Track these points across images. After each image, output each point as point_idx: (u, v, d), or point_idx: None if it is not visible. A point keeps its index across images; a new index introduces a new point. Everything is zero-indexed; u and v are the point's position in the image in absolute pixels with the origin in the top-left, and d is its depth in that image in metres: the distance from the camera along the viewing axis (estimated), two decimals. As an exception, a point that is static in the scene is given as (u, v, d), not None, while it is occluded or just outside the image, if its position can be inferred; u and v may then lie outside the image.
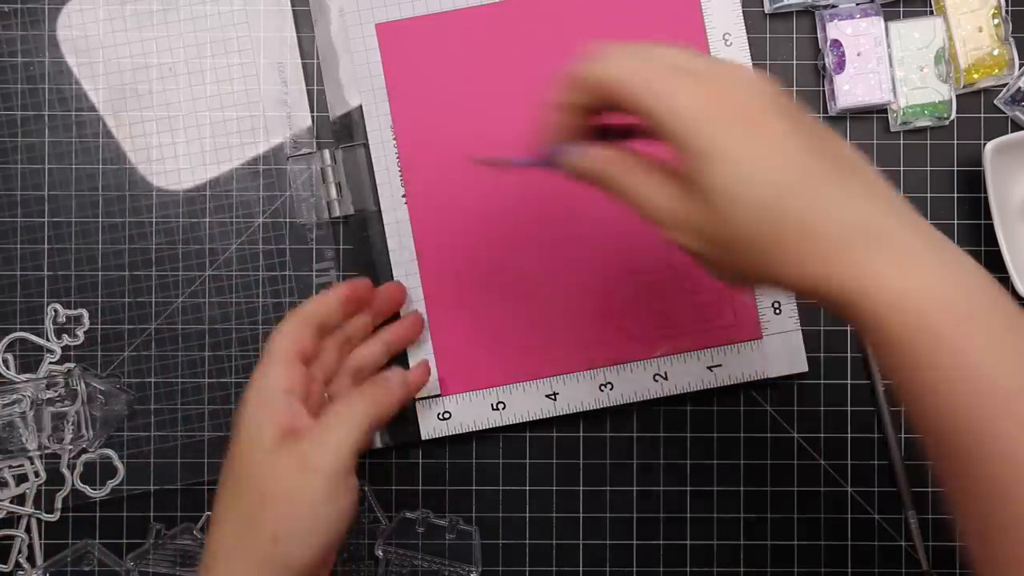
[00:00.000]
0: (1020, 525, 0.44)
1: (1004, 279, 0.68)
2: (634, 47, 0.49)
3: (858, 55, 0.68)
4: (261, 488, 0.54)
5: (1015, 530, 0.44)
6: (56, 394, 0.69)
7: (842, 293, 0.46)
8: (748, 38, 0.69)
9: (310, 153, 0.69)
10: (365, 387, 0.60)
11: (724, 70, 0.48)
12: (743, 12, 0.69)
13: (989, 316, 0.45)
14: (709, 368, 0.68)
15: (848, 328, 0.70)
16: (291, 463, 0.54)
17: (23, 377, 0.70)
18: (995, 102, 0.69)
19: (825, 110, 0.70)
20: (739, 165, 0.46)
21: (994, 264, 0.69)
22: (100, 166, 0.70)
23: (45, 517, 0.70)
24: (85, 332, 0.69)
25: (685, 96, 0.47)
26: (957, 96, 0.69)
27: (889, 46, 0.68)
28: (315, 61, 0.69)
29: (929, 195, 0.70)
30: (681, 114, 0.46)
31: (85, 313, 0.69)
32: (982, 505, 0.45)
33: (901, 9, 0.70)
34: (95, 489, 0.69)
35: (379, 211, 0.68)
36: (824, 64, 0.69)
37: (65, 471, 0.70)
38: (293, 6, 0.69)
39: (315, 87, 0.70)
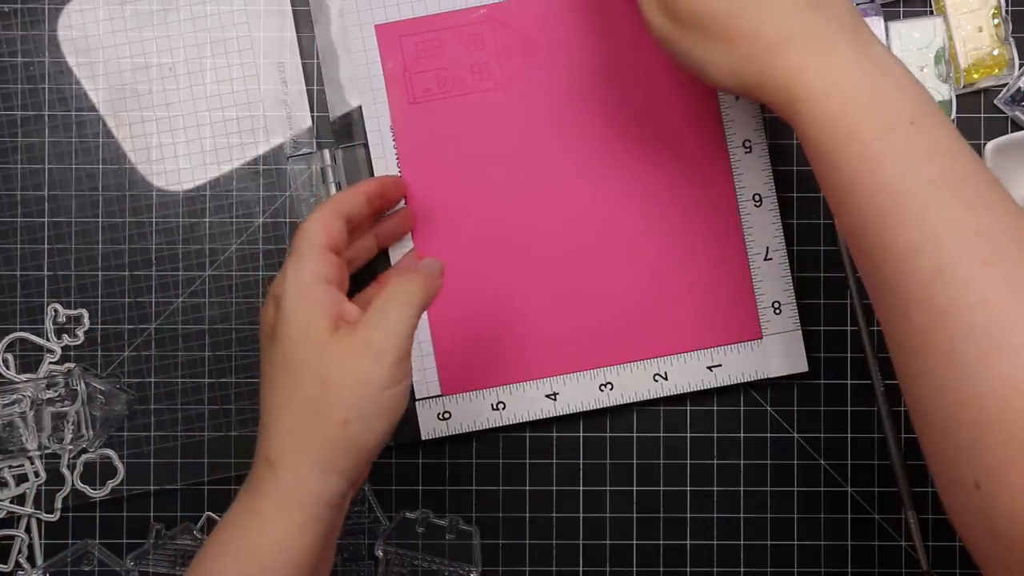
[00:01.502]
0: (917, 307, 0.47)
1: (1004, 279, 0.68)
2: None
3: (858, 55, 0.68)
4: (324, 376, 0.54)
5: (915, 313, 0.47)
6: (56, 394, 0.69)
7: (777, 91, 0.52)
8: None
9: (310, 153, 0.69)
10: (416, 272, 0.59)
11: None
12: (743, 12, 0.69)
13: (897, 117, 0.50)
14: (709, 368, 0.68)
15: (848, 328, 0.70)
16: (355, 350, 0.54)
17: (23, 377, 0.70)
18: (995, 102, 0.69)
19: (825, 110, 0.70)
20: None
21: (994, 264, 0.69)
22: (100, 166, 0.70)
23: (45, 517, 0.70)
24: (85, 332, 0.69)
25: None
26: (957, 96, 0.69)
27: (889, 46, 0.68)
28: (315, 61, 0.69)
29: (929, 195, 0.70)
30: None
31: (85, 313, 0.69)
32: (887, 295, 0.49)
33: (901, 9, 0.70)
34: (95, 489, 0.70)
35: (379, 211, 0.69)
36: (824, 64, 0.69)
37: (65, 471, 0.70)
38: (293, 6, 0.70)
39: (315, 87, 0.70)
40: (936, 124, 0.50)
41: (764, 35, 0.52)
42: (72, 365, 0.70)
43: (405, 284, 0.57)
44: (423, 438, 0.69)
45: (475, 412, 0.68)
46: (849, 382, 0.70)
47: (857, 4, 0.68)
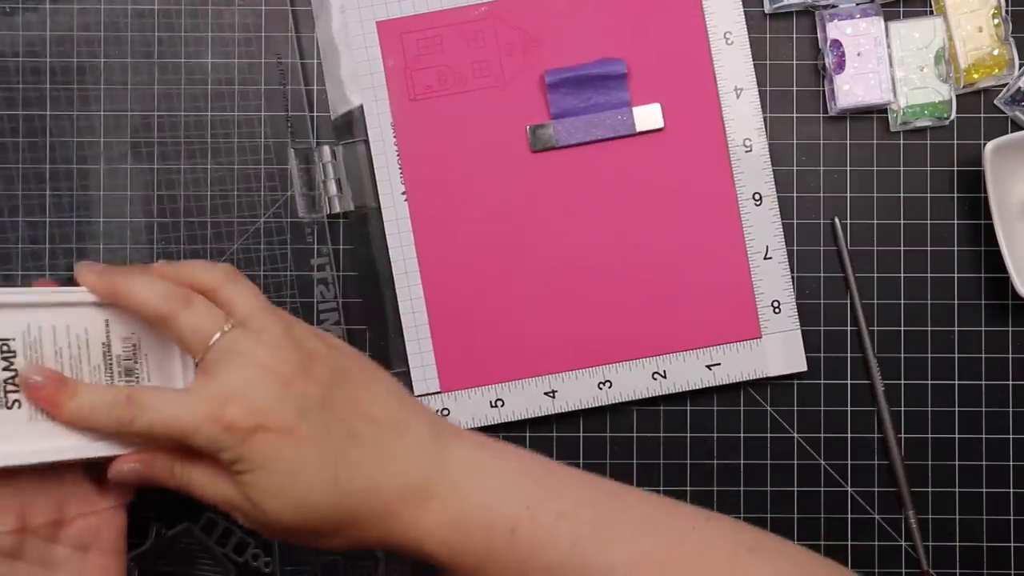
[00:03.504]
0: None
1: (1004, 279, 0.68)
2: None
3: (858, 55, 0.68)
4: None
5: None
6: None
7: (406, 547, 0.54)
8: (748, 38, 0.69)
9: (311, 150, 0.69)
10: None
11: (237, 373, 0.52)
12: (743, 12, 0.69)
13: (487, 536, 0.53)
14: (708, 367, 0.68)
15: (848, 328, 0.70)
16: None
17: (23, 376, 0.69)
18: (995, 102, 0.69)
19: (825, 110, 0.70)
20: (276, 482, 0.52)
21: (994, 264, 0.69)
22: (101, 166, 0.70)
23: (45, 516, 0.69)
24: (85, 331, 0.69)
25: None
26: (957, 96, 0.69)
27: (889, 46, 0.68)
28: (315, 60, 0.69)
29: (929, 195, 0.70)
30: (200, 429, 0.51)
31: (86, 312, 0.69)
32: None
33: (901, 9, 0.70)
34: (95, 488, 0.69)
35: (379, 208, 0.69)
36: (824, 64, 0.69)
37: (65, 470, 0.70)
38: (293, 5, 0.70)
39: (315, 86, 0.70)
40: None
41: (374, 510, 0.53)
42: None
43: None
44: (423, 437, 0.69)
45: (474, 409, 0.68)
46: (849, 382, 0.70)
47: (856, 4, 0.68)
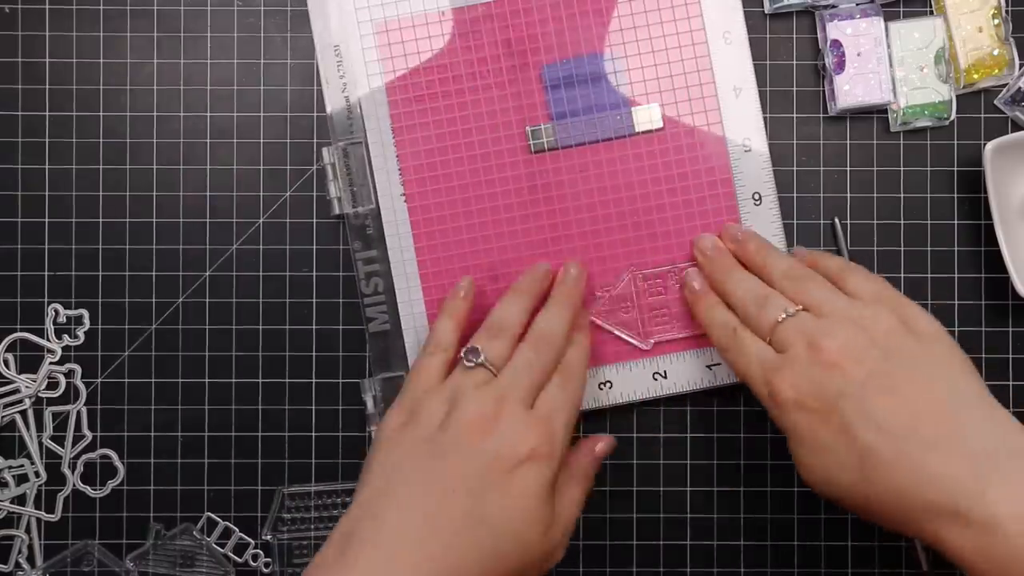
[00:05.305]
0: None
1: (1004, 279, 0.68)
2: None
3: (858, 55, 0.68)
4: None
5: None
6: (56, 394, 0.69)
7: (939, 552, 0.52)
8: (748, 37, 0.69)
9: (310, 152, 0.69)
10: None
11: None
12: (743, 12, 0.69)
13: None
14: (708, 367, 0.68)
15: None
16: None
17: (23, 377, 0.70)
18: (995, 102, 0.69)
19: (825, 110, 0.70)
20: (807, 456, 0.56)
21: (994, 264, 0.69)
22: (100, 166, 0.70)
23: (45, 517, 0.70)
24: (85, 332, 0.70)
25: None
26: (957, 96, 0.69)
27: (889, 46, 0.68)
28: (314, 60, 0.69)
29: (929, 195, 0.70)
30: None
31: (85, 313, 0.70)
32: None
33: (901, 9, 0.70)
34: (95, 489, 0.70)
35: (378, 209, 0.69)
36: (824, 64, 0.69)
37: (65, 471, 0.70)
38: (292, 5, 0.70)
39: (315, 87, 0.70)
40: None
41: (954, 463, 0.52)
42: (72, 365, 0.70)
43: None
44: (423, 438, 0.68)
45: (475, 411, 0.68)
46: (849, 382, 0.70)
47: (856, 4, 0.68)
